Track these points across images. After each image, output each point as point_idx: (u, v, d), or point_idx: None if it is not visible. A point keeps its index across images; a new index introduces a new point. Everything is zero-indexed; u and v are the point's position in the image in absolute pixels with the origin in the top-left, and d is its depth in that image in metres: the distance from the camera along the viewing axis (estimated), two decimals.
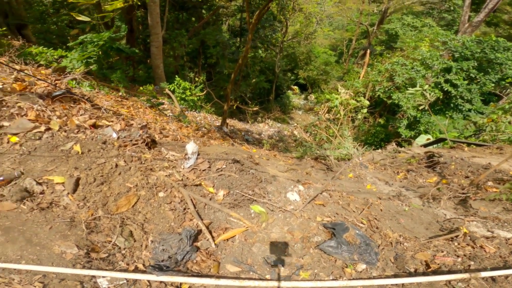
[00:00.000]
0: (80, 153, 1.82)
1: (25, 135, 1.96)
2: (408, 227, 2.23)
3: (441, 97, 10.01)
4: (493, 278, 1.46)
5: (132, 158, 1.77)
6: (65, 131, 2.03)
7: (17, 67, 3.80)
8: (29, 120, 2.04)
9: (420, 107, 7.79)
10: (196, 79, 11.88)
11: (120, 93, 6.63)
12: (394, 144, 7.57)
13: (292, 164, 4.79)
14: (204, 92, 11.68)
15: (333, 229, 1.63)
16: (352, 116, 11.39)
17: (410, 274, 1.45)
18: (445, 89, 9.93)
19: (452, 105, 10.21)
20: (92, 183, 1.58)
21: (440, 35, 11.51)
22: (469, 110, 10.06)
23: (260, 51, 15.00)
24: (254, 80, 13.81)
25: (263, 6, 6.69)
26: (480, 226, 2.58)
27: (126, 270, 1.33)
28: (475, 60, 10.01)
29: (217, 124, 10.52)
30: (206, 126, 8.50)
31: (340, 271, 1.44)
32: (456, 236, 2.06)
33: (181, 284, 1.30)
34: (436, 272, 1.47)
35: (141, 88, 8.15)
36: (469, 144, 6.22)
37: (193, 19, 15.58)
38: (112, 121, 2.37)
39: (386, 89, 10.87)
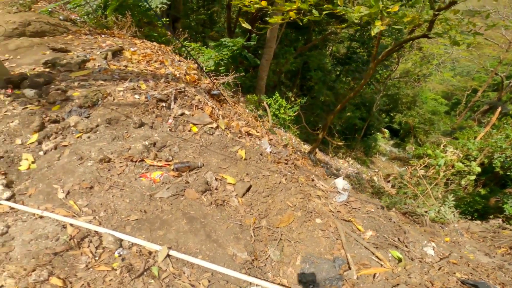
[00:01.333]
0: (243, 158, 2.13)
1: (202, 127, 2.42)
2: None
3: None
4: None
5: (291, 179, 1.98)
6: (230, 132, 2.42)
7: (177, 57, 4.71)
8: (207, 114, 2.52)
9: None
10: (292, 98, 12.31)
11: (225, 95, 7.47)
12: (500, 220, 6.64)
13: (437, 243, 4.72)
14: (296, 113, 12.00)
15: (476, 286, 1.50)
16: (449, 179, 9.97)
17: None
18: None
19: None
20: (260, 193, 1.84)
21: None
22: None
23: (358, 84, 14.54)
24: (348, 114, 13.46)
25: (397, 44, 6.54)
26: None
27: (272, 283, 1.48)
28: None
29: (298, 147, 10.65)
30: (301, 150, 8.74)
31: None
32: None
33: None
34: None
35: (248, 96, 8.95)
36: None
37: (300, 38, 16.18)
38: (258, 132, 2.70)
39: (508, 159, 9.06)
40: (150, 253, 1.49)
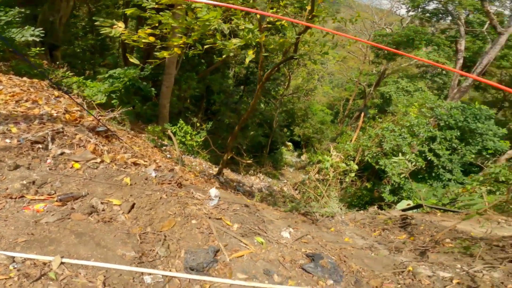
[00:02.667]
0: (129, 184, 2.53)
1: (85, 163, 2.68)
2: (370, 265, 2.92)
3: (423, 166, 11.11)
4: None
5: (171, 193, 2.48)
6: (116, 165, 2.75)
7: (56, 93, 4.63)
8: (89, 151, 2.79)
9: (402, 175, 8.78)
10: (198, 124, 12.91)
11: (125, 128, 7.41)
12: (375, 207, 8.59)
13: (282, 215, 5.58)
14: (203, 138, 12.60)
15: (313, 257, 2.35)
16: (341, 178, 12.37)
17: None
18: (429, 158, 11.03)
19: (433, 174, 11.23)
20: (143, 208, 2.26)
21: (428, 100, 12.72)
22: (449, 180, 10.97)
23: (262, 104, 16.49)
24: (252, 133, 15.00)
25: (274, 66, 8.03)
26: (426, 268, 3.30)
27: (163, 270, 1.95)
28: (458, 129, 10.82)
29: (210, 171, 11.20)
30: (206, 174, 9.23)
31: (315, 283, 2.12)
32: (402, 272, 2.79)
33: (204, 283, 1.91)
34: None
35: (149, 127, 9.03)
36: (444, 211, 7.09)
37: (203, 61, 17.07)
38: (146, 161, 3.12)
39: (375, 154, 12.00)
40: (44, 263, 1.71)
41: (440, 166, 11.13)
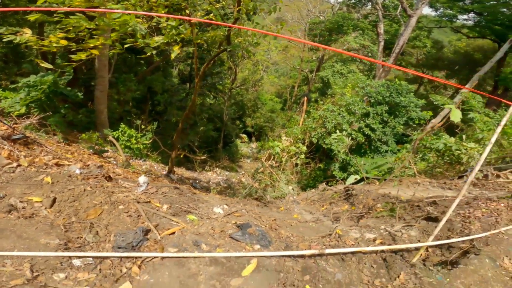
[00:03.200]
0: (51, 183, 2.53)
1: (0, 169, 2.60)
2: (303, 233, 3.32)
3: (363, 140, 12.40)
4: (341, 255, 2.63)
5: (96, 185, 2.54)
6: (35, 167, 2.70)
7: None
8: (4, 157, 2.69)
9: (342, 150, 9.69)
10: (143, 126, 12.50)
11: (57, 138, 6.94)
12: (324, 184, 9.41)
13: (232, 202, 5.83)
14: (151, 140, 12.27)
15: (241, 226, 2.63)
16: (295, 163, 13.13)
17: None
18: (366, 133, 12.38)
19: (372, 147, 12.63)
20: (66, 201, 2.30)
21: (360, 81, 14.31)
22: (386, 151, 12.50)
23: (208, 99, 16.52)
24: (202, 128, 15.02)
25: (210, 59, 8.17)
26: (356, 231, 3.84)
27: (92, 256, 2.06)
28: (386, 104, 12.36)
29: (164, 172, 11.02)
30: (153, 173, 9.07)
31: (242, 248, 2.40)
32: (330, 235, 3.24)
33: (136, 260, 2.07)
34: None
35: (84, 135, 8.54)
36: (382, 180, 8.08)
37: (142, 62, 16.49)
38: (71, 161, 3.09)
39: (320, 135, 13.01)
40: None
41: (376, 139, 12.55)
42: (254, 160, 20.14)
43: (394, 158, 9.89)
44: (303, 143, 13.67)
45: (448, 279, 2.44)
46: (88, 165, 3.10)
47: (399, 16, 19.73)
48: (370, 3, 22.26)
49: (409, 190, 6.27)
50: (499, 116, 10.49)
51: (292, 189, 10.03)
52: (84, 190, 2.41)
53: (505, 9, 19.03)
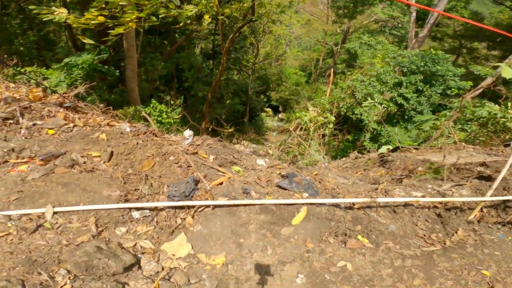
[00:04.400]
0: (106, 139, 2.64)
1: (59, 129, 2.75)
2: (346, 187, 3.26)
3: (395, 110, 11.77)
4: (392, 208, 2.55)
5: (147, 139, 2.62)
6: (90, 127, 2.83)
7: (12, 85, 4.50)
8: (61, 118, 2.84)
9: (374, 119, 9.25)
10: (172, 102, 12.74)
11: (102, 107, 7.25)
12: (356, 152, 9.13)
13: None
14: (180, 115, 12.52)
15: (287, 176, 2.62)
16: (323, 134, 12.86)
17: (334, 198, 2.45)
18: (399, 102, 11.70)
19: (406, 117, 11.97)
20: (122, 154, 2.40)
21: (390, 51, 13.47)
22: (421, 121, 11.77)
23: (233, 74, 16.35)
24: (228, 102, 15.04)
25: (235, 31, 7.97)
26: (401, 190, 3.70)
27: (150, 208, 2.16)
28: (421, 73, 11.62)
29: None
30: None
31: (291, 196, 2.40)
32: (376, 190, 3.13)
33: (189, 210, 2.14)
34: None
35: (120, 110, 8.86)
36: (417, 149, 7.68)
37: (166, 42, 16.70)
38: (119, 122, 3.21)
39: (349, 105, 12.53)
40: (39, 216, 1.87)
41: (410, 109, 11.85)
42: (280, 133, 20.06)
43: (432, 126, 9.30)
44: (331, 114, 13.30)
45: (510, 237, 2.31)
46: (136, 125, 3.20)
47: None
48: None
49: (451, 157, 5.93)
50: None
51: (323, 157, 9.86)
52: (137, 143, 2.49)
53: None
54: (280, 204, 2.24)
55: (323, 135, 12.87)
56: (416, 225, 2.48)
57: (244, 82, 17.47)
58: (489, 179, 3.20)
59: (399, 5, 18.66)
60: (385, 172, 5.62)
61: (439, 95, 11.72)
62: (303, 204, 2.25)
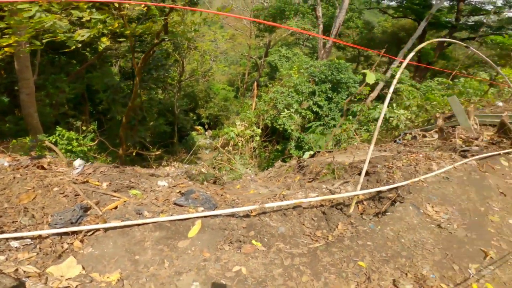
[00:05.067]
0: None
1: None
2: (251, 197, 3.63)
3: (312, 117, 13.23)
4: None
5: (27, 173, 2.50)
6: None
7: None
8: None
9: (294, 128, 10.26)
10: (84, 127, 11.72)
11: None
12: (279, 161, 9.98)
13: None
14: (96, 141, 11.60)
15: (185, 193, 2.82)
16: (253, 147, 13.51)
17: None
18: (315, 110, 13.21)
19: (322, 123, 13.54)
20: None
21: (303, 62, 15.13)
22: (334, 125, 13.46)
23: (155, 93, 15.97)
24: (152, 123, 14.57)
25: (149, 50, 7.97)
26: (302, 193, 4.26)
27: (30, 237, 2.09)
28: (329, 82, 13.27)
29: None
30: None
31: (187, 212, 2.61)
32: (274, 196, 3.59)
33: (77, 236, 2.14)
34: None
35: (14, 141, 7.80)
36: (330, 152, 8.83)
37: (74, 61, 15.36)
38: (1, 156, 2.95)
39: (272, 116, 13.56)
40: None
41: (324, 115, 13.46)
42: (213, 150, 20.18)
43: (340, 130, 10.78)
44: (258, 127, 14.12)
45: (379, 227, 2.78)
46: (18, 159, 2.99)
47: None
48: None
49: (352, 156, 6.98)
50: (424, 87, 11.96)
51: (249, 169, 10.38)
52: (14, 177, 2.37)
53: None
54: (175, 220, 2.42)
55: (254, 148, 13.55)
56: (303, 224, 2.90)
57: (169, 101, 17.19)
58: (368, 174, 3.95)
59: (310, 18, 21.27)
60: (300, 177, 6.34)
61: (344, 100, 13.58)
62: (196, 217, 2.48)
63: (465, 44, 4.09)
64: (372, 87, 16.17)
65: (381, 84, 15.49)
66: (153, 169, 15.02)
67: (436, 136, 6.88)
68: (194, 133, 20.69)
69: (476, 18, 21.90)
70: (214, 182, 7.55)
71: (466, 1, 21.54)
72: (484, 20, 20.38)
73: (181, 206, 2.65)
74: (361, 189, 3.41)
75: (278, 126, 13.38)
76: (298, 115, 11.60)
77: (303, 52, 18.20)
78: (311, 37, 20.04)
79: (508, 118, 5.29)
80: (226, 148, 13.04)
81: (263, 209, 2.86)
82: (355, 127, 10.74)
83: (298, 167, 7.41)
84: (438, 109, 7.91)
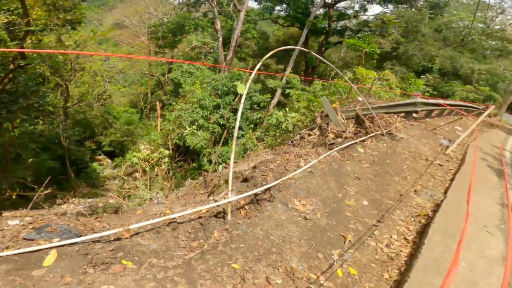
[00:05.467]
0: None
1: None
2: (131, 221, 3.48)
3: (220, 131, 13.54)
4: None
5: None
6: None
7: None
8: None
9: (200, 144, 10.33)
10: None
11: None
12: (189, 179, 9.90)
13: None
14: None
15: (37, 228, 2.58)
16: (168, 169, 12.90)
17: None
18: (221, 123, 13.53)
19: (231, 134, 13.97)
20: None
21: (206, 76, 15.27)
22: (243, 135, 14.06)
23: (31, 124, 13.62)
24: (31, 160, 12.37)
25: (2, 78, 6.83)
26: (190, 208, 4.35)
27: None
28: (232, 93, 13.72)
29: None
30: None
31: (37, 244, 2.36)
32: (155, 215, 3.52)
33: None
34: None
35: None
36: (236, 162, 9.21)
37: None
38: None
39: (180, 135, 13.28)
40: None
41: (232, 127, 13.91)
42: (122, 179, 18.48)
43: (245, 139, 11.37)
44: (168, 148, 13.61)
45: (250, 228, 2.99)
46: None
47: (231, 12, 22.16)
48: (207, 1, 23.98)
49: (253, 162, 7.43)
50: (312, 89, 13.71)
51: (157, 193, 9.93)
52: None
53: None
54: (23, 252, 2.23)
55: (168, 170, 12.97)
56: (178, 238, 2.94)
57: (55, 132, 14.86)
58: (247, 180, 4.26)
59: (210, 32, 21.86)
60: (204, 191, 6.43)
61: (249, 110, 14.37)
62: (49, 248, 2.31)
63: (307, 50, 4.89)
64: (273, 94, 17.72)
65: (279, 91, 17.05)
66: (45, 209, 12.89)
67: (318, 133, 7.98)
68: (95, 164, 18.47)
69: (343, 23, 26.12)
70: (116, 212, 7.04)
71: (334, 8, 25.41)
72: (348, 24, 24.57)
73: (32, 240, 2.44)
74: (240, 194, 3.69)
75: (188, 144, 13.18)
76: (201, 130, 11.70)
77: (206, 67, 18.56)
78: (212, 50, 20.66)
79: (361, 111, 6.52)
80: (134, 174, 12.18)
81: (136, 230, 2.81)
82: (257, 135, 11.47)
83: (203, 182, 7.51)
84: (318, 109, 9.18)
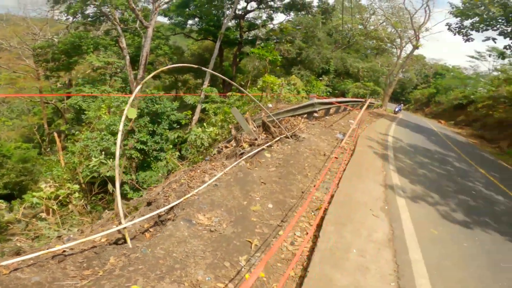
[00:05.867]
0: None
1: None
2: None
3: (139, 156, 12.78)
4: None
5: None
6: None
7: None
8: None
9: (107, 173, 9.57)
10: None
11: None
12: (107, 211, 9.10)
13: None
14: None
15: None
16: (84, 204, 11.44)
17: None
18: (139, 148, 12.78)
19: (152, 158, 13.31)
20: None
21: (114, 99, 14.04)
22: (165, 157, 13.51)
23: None
24: None
25: None
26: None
27: None
28: (147, 115, 13.18)
29: None
30: None
31: None
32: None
33: None
34: None
35: None
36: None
37: None
38: None
39: (91, 167, 12.02)
40: None
41: (152, 150, 13.25)
42: (24, 222, 15.71)
43: (167, 160, 10.99)
44: (78, 182, 12.15)
45: (149, 250, 2.92)
46: None
47: (138, 29, 21.23)
48: (108, 20, 22.44)
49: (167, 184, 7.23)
50: (228, 100, 14.13)
51: (67, 229, 8.95)
52: None
53: (214, 11, 25.21)
54: None
55: (86, 204, 11.58)
56: (66, 269, 2.74)
57: None
58: (150, 203, 4.18)
59: (114, 50, 20.47)
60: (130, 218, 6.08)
61: (168, 130, 13.93)
62: None
63: (197, 66, 5.11)
64: (193, 110, 17.60)
65: (199, 106, 17.04)
66: None
67: (235, 144, 8.27)
68: None
69: (254, 32, 27.77)
70: (18, 253, 6.51)
71: (245, 19, 26.90)
72: (258, 34, 26.30)
73: None
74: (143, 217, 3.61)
75: (101, 176, 12.03)
76: (111, 159, 10.86)
77: (112, 87, 17.27)
78: (119, 70, 19.43)
79: (266, 118, 7.03)
80: (39, 215, 10.60)
81: (15, 266, 2.58)
82: (177, 155, 11.22)
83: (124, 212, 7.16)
84: (234, 121, 9.52)
